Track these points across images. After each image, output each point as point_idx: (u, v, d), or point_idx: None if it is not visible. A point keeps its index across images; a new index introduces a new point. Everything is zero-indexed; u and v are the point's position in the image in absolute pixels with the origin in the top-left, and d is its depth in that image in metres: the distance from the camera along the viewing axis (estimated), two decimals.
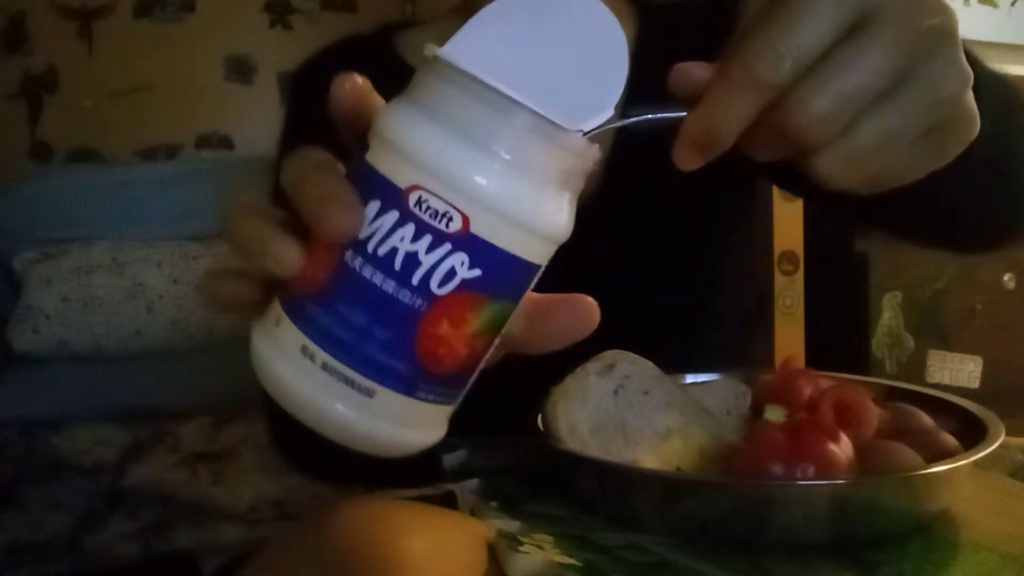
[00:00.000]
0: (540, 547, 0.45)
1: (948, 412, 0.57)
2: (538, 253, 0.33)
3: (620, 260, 0.79)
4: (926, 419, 0.55)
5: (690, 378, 0.65)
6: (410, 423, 0.35)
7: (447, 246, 0.31)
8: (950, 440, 0.52)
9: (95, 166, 1.90)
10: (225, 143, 1.99)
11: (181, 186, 1.78)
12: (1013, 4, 2.20)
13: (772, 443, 0.48)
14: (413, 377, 0.33)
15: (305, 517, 0.50)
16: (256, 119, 1.95)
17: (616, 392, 0.55)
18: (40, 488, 1.53)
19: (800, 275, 1.70)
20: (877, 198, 0.39)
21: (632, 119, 0.38)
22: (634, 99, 0.91)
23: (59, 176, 1.82)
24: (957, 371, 1.68)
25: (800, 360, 1.58)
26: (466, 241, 0.31)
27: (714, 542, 0.47)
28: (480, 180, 0.31)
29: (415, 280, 0.32)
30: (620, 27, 0.35)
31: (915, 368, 1.72)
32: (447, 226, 0.31)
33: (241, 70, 1.99)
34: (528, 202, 0.32)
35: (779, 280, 1.70)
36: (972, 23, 2.07)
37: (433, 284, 0.32)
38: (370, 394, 0.33)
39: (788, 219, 1.68)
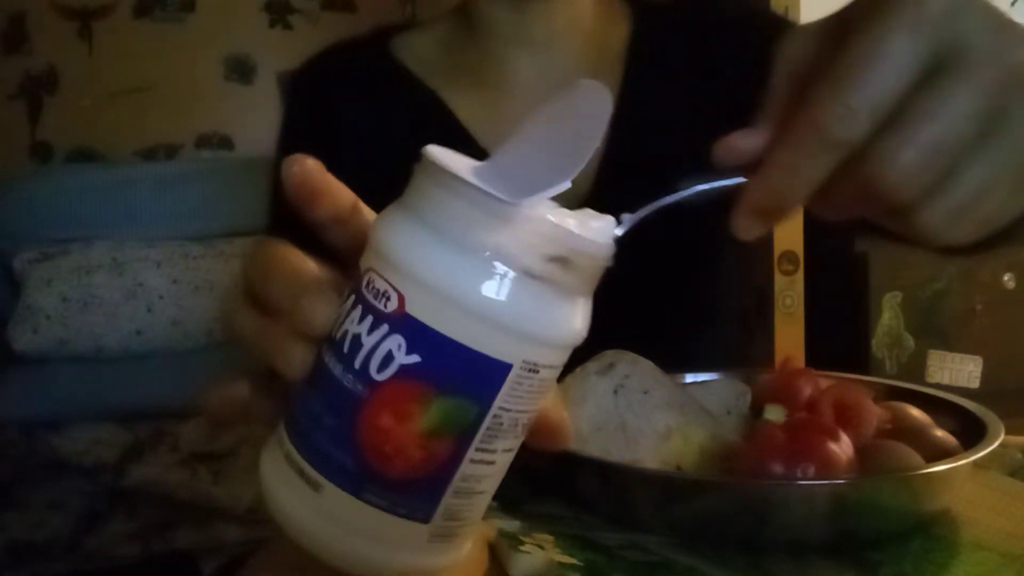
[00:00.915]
0: (541, 547, 0.45)
1: (948, 412, 0.57)
2: (501, 348, 0.29)
3: (618, 260, 0.79)
4: (925, 418, 0.55)
5: (690, 377, 0.65)
6: (361, 531, 0.31)
7: (385, 327, 0.29)
8: (950, 440, 0.52)
9: (95, 166, 1.90)
10: (225, 143, 1.99)
11: (181, 186, 1.78)
12: (1013, 4, 2.20)
13: (772, 443, 0.48)
14: (359, 474, 0.30)
15: None
16: (256, 119, 1.95)
17: (616, 392, 0.55)
18: (40, 488, 1.53)
19: (800, 275, 1.70)
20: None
21: (685, 192, 0.35)
22: (627, 98, 0.90)
23: (59, 176, 1.82)
24: (957, 371, 1.68)
25: (800, 360, 1.59)
26: (402, 322, 0.29)
27: (714, 542, 0.47)
28: (411, 253, 0.29)
29: (357, 363, 0.30)
30: (606, 94, 0.30)
31: (915, 368, 1.72)
32: (385, 305, 0.29)
33: (241, 70, 1.99)
34: (467, 280, 0.28)
35: (779, 280, 1.70)
36: None
37: (373, 369, 0.29)
38: (317, 488, 0.31)
39: (788, 219, 1.68)
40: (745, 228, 0.35)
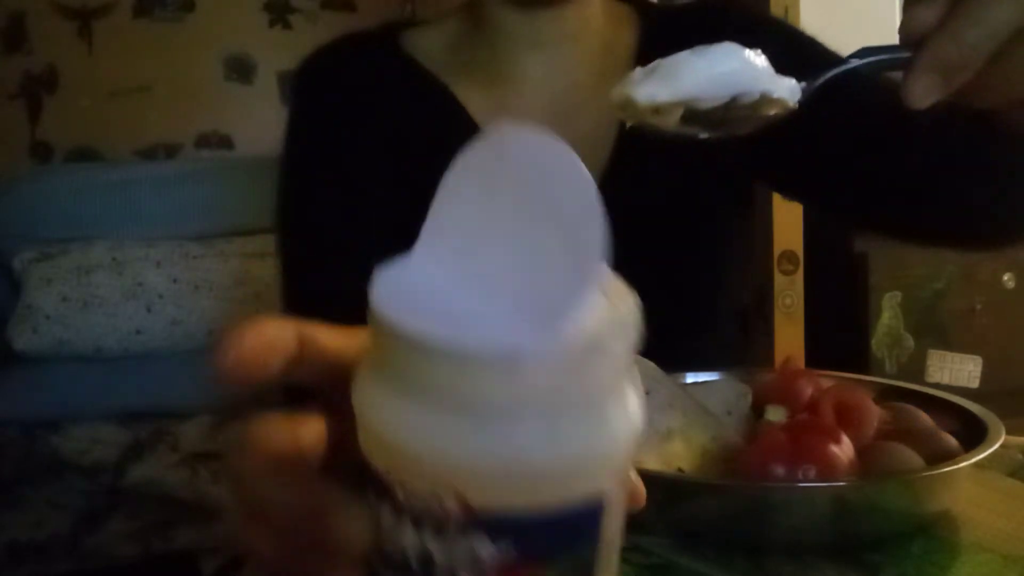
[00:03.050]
0: None
1: (948, 412, 0.57)
2: (581, 490, 0.26)
3: (617, 259, 0.79)
4: (926, 419, 0.55)
5: (690, 378, 0.65)
6: None
7: (454, 531, 0.26)
8: (950, 440, 0.52)
9: (95, 166, 1.89)
10: (225, 143, 1.99)
11: (181, 186, 1.78)
12: None
13: (774, 445, 0.49)
14: None
15: None
16: (256, 119, 1.94)
17: None
18: (40, 488, 1.53)
19: (800, 275, 1.70)
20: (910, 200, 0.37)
21: (859, 62, 0.35)
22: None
23: (59, 176, 1.82)
24: (957, 371, 1.68)
25: (800, 360, 1.58)
26: (471, 519, 0.25)
27: (716, 543, 0.47)
28: (442, 444, 0.25)
29: None
30: (591, 184, 0.26)
31: (915, 368, 1.72)
32: (442, 509, 0.26)
33: (241, 70, 1.99)
34: (504, 447, 0.25)
35: (779, 280, 1.70)
36: None
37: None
38: None
39: (788, 219, 1.68)
40: (923, 91, 0.34)
